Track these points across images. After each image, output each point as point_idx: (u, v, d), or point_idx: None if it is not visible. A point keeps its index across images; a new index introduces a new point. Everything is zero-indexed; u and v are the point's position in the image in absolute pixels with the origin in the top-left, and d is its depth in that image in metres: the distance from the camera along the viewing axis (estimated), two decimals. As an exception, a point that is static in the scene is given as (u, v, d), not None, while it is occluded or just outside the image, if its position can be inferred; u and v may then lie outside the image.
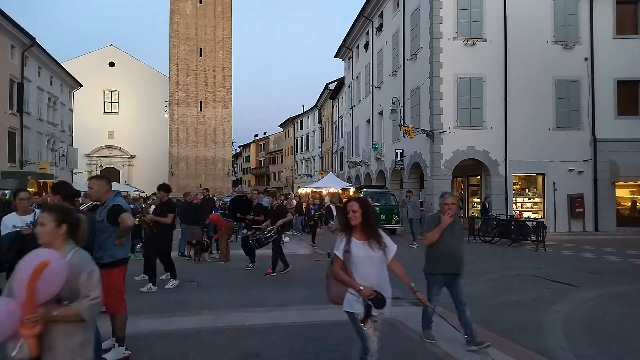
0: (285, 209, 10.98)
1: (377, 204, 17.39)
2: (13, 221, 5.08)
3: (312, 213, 16.13)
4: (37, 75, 29.97)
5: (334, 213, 12.49)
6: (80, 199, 6.71)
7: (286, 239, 10.70)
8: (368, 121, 29.14)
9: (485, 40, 19.23)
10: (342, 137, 37.93)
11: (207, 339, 5.32)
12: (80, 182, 35.17)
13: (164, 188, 8.57)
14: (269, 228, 9.86)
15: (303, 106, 60.25)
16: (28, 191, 5.33)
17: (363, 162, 29.75)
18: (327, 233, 12.92)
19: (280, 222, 9.93)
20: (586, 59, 19.74)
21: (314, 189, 24.41)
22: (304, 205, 21.96)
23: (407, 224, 16.12)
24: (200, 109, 43.92)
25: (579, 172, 19.54)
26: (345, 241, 3.37)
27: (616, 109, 19.76)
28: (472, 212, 20.59)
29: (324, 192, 23.80)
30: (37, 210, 5.41)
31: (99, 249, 4.61)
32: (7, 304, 2.18)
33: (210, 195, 15.65)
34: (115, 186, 16.85)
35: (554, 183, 19.33)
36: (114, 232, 4.54)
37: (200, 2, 43.74)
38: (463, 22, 19.19)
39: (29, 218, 5.08)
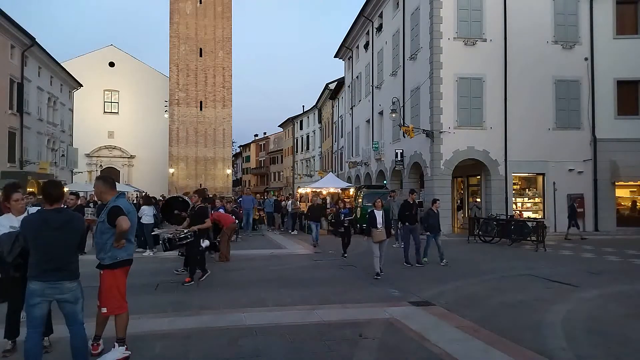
0: (206, 212, 9.29)
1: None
2: (10, 222, 5.01)
3: (342, 218, 13.44)
4: (37, 75, 29.96)
5: (378, 220, 9.77)
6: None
7: (205, 242, 9.13)
8: (368, 121, 29.13)
9: (485, 40, 19.22)
10: (342, 137, 37.93)
11: (207, 339, 5.32)
12: (80, 182, 35.24)
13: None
14: (182, 228, 9.11)
15: (303, 106, 60.39)
16: (20, 192, 5.24)
17: (363, 162, 29.75)
18: (369, 241, 9.97)
19: (195, 227, 8.87)
20: (586, 59, 19.75)
21: (314, 189, 24.39)
22: (317, 203, 21.77)
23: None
24: (200, 109, 43.93)
25: (579, 172, 19.54)
26: None
27: (616, 109, 19.76)
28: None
29: (324, 192, 23.76)
30: (32, 209, 5.34)
31: (100, 250, 4.60)
32: None
33: (210, 195, 15.71)
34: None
35: (554, 183, 19.33)
36: (114, 234, 4.51)
37: (200, 2, 43.74)
38: (463, 22, 19.19)
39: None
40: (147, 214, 13.27)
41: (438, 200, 12.37)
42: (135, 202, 21.26)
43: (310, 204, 17.71)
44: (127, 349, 4.60)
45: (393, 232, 11.37)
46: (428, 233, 11.41)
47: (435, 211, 11.70)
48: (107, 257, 4.54)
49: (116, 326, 4.60)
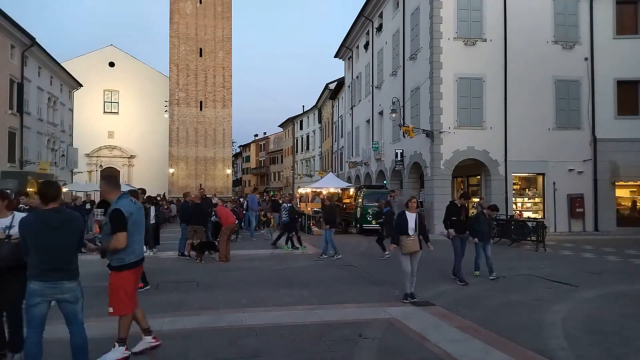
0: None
1: (377, 204, 17.37)
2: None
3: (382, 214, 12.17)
4: (37, 75, 29.95)
5: (410, 225, 7.38)
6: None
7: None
8: (368, 121, 29.13)
9: (485, 40, 19.22)
10: (342, 137, 37.92)
11: (207, 339, 5.32)
12: (80, 182, 35.24)
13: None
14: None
15: (303, 106, 60.38)
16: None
17: (363, 162, 29.74)
18: (397, 251, 7.76)
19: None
20: (586, 59, 19.74)
21: (314, 189, 24.39)
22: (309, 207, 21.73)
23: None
24: (200, 109, 43.94)
25: (579, 172, 19.53)
26: None
27: (616, 109, 19.75)
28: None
29: (324, 192, 23.75)
30: (16, 214, 4.80)
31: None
32: None
33: (207, 195, 15.71)
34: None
35: (554, 183, 19.33)
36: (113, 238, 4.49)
37: (200, 2, 43.75)
38: (463, 22, 19.18)
39: (5, 221, 4.58)
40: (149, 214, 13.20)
41: (489, 203, 10.95)
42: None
43: (324, 204, 14.20)
44: (127, 349, 4.60)
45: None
46: (477, 240, 9.60)
47: (487, 216, 9.96)
48: (115, 259, 4.54)
49: (119, 326, 4.60)
